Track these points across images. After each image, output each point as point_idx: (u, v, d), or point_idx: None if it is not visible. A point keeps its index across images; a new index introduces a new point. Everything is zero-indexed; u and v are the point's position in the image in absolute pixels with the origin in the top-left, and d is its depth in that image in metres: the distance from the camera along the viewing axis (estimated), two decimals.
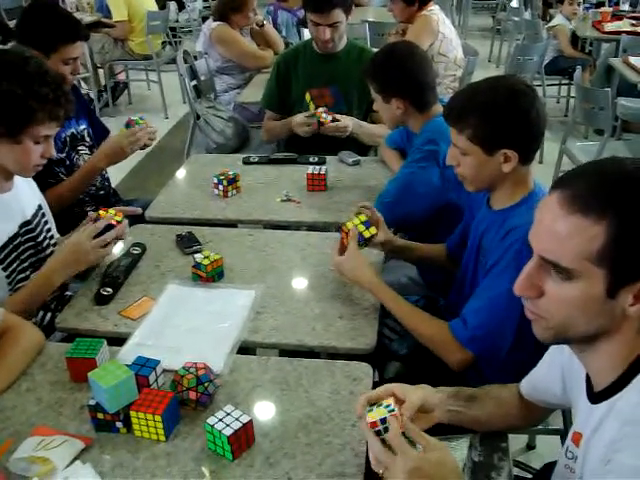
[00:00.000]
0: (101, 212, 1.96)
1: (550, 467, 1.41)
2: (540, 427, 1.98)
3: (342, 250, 1.90)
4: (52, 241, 2.06)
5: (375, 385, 1.55)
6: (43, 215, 2.05)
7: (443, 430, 1.42)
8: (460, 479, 1.15)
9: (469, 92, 1.74)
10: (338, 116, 2.97)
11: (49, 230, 2.06)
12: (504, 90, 1.67)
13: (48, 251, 2.02)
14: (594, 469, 1.04)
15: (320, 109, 2.97)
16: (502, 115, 1.65)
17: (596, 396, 1.11)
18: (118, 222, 1.95)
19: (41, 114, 1.75)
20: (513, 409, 1.46)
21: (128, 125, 2.52)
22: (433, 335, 1.76)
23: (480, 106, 1.67)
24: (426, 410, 1.34)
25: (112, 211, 1.96)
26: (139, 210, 2.11)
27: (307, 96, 3.14)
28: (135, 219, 2.45)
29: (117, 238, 1.97)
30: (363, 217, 1.92)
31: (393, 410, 1.19)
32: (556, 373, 1.32)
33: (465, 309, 1.73)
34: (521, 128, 1.65)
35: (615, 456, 0.98)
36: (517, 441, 2.49)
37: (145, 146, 2.55)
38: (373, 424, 1.18)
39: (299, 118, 3.02)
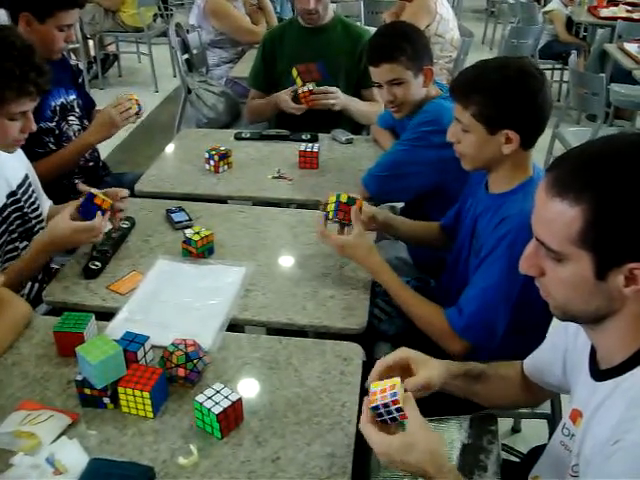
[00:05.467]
0: (97, 195, 1.87)
1: (537, 450, 1.42)
2: (527, 411, 1.99)
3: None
4: (37, 212, 2.02)
5: (364, 365, 1.55)
6: (29, 185, 2.01)
7: (434, 411, 1.42)
8: (433, 463, 1.13)
9: (478, 69, 1.71)
10: (328, 88, 2.88)
11: (35, 201, 2.02)
12: (514, 71, 1.65)
13: (34, 222, 1.99)
14: (598, 448, 1.04)
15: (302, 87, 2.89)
16: (509, 96, 1.63)
17: (602, 374, 1.12)
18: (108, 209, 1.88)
19: (8, 92, 1.65)
20: (516, 387, 1.47)
21: None
22: (431, 323, 1.76)
23: (488, 84, 1.65)
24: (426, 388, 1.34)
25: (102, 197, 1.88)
26: (126, 192, 2.05)
27: (294, 72, 3.08)
28: None
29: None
30: (345, 196, 1.89)
31: (395, 395, 1.17)
32: (558, 355, 1.33)
33: (461, 298, 1.72)
34: (526, 110, 1.64)
35: (625, 436, 0.98)
36: (503, 424, 2.48)
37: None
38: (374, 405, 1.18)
39: (284, 96, 2.95)
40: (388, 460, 1.14)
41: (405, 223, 2.14)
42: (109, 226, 1.93)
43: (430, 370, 1.33)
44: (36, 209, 2.02)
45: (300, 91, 2.85)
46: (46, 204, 2.11)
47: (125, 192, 1.99)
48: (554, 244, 1.02)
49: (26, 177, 2.00)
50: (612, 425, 1.02)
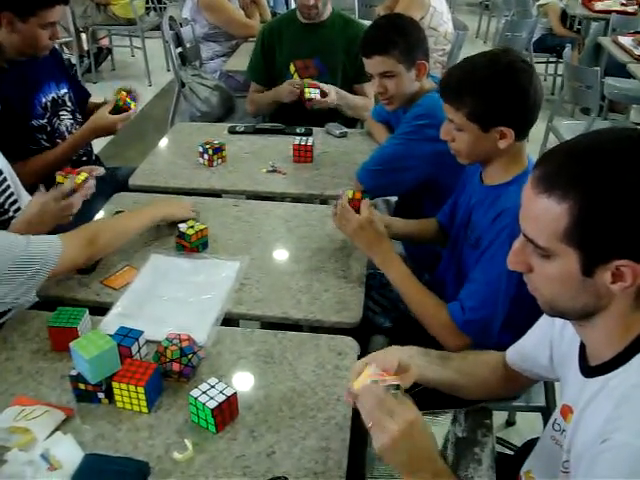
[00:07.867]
0: (60, 178, 1.91)
1: (531, 444, 1.42)
2: (521, 404, 1.99)
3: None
4: (14, 207, 1.99)
5: (359, 359, 1.55)
6: (5, 179, 1.98)
7: (428, 405, 1.42)
8: (429, 441, 1.15)
9: (466, 68, 1.69)
10: (322, 86, 2.90)
11: (11, 195, 1.98)
12: (502, 67, 1.63)
13: (12, 213, 1.96)
14: (587, 446, 1.03)
15: (307, 89, 2.90)
16: (500, 93, 1.62)
17: (591, 370, 1.11)
18: (83, 181, 1.90)
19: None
20: (493, 375, 1.46)
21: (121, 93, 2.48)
22: (435, 317, 1.73)
23: (478, 84, 1.63)
24: (402, 369, 1.34)
25: (81, 175, 1.92)
26: (102, 170, 2.04)
27: (292, 67, 3.10)
28: (118, 187, 2.41)
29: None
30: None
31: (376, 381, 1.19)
32: (545, 344, 1.33)
33: (461, 293, 1.72)
34: (519, 106, 1.63)
35: (613, 435, 0.97)
36: (497, 417, 2.49)
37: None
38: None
39: (286, 87, 2.97)
40: (408, 432, 1.10)
41: (404, 223, 2.13)
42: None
43: (391, 351, 1.35)
44: (13, 203, 1.99)
45: (308, 96, 2.87)
46: (26, 200, 2.10)
47: (100, 170, 2.01)
48: (541, 240, 1.02)
49: (0, 172, 1.98)
50: (601, 423, 1.02)
